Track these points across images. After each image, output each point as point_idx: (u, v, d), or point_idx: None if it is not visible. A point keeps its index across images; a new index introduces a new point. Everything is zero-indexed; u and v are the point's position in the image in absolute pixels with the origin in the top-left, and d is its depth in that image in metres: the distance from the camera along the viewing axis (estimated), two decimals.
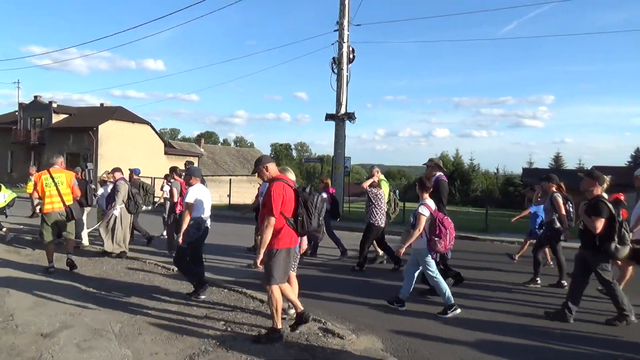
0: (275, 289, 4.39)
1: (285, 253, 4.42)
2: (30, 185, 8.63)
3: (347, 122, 16.07)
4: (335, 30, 15.99)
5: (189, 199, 5.81)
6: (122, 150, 34.44)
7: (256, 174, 4.67)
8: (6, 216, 10.66)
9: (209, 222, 6.13)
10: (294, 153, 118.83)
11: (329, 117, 16.10)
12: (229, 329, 4.83)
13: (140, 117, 39.27)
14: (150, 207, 11.12)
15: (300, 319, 4.61)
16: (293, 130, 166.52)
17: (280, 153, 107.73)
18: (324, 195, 7.76)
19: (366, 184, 8.05)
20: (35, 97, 38.99)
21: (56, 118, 37.64)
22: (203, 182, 6.31)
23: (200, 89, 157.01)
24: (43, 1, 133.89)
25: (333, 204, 9.02)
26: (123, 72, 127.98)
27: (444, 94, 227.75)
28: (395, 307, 5.76)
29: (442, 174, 6.79)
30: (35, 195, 7.50)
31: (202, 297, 5.86)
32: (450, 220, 5.61)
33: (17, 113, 39.37)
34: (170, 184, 9.24)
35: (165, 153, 40.76)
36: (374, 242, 8.40)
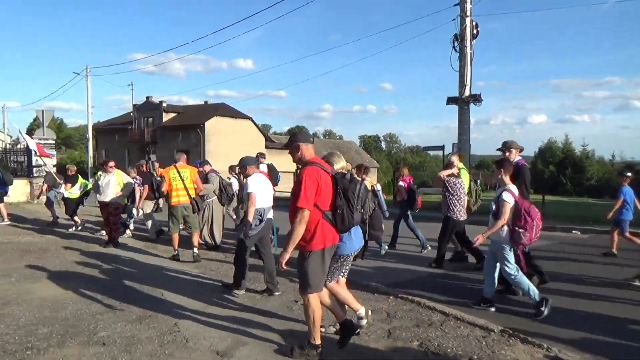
0: (313, 298, 3.69)
1: (321, 254, 3.65)
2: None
3: (472, 105, 14.54)
4: (455, 5, 14.50)
5: (250, 188, 5.52)
6: (227, 145, 35.41)
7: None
8: (83, 205, 11.44)
9: (270, 213, 5.86)
10: (383, 144, 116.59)
11: (451, 100, 14.63)
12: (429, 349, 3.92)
13: (241, 113, 40.28)
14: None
15: (347, 330, 3.93)
16: (380, 121, 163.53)
17: (369, 145, 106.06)
18: (378, 185, 7.74)
19: (444, 173, 7.25)
20: (147, 97, 41.50)
21: (166, 117, 39.75)
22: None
23: (288, 85, 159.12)
24: (145, 12, 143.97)
25: (410, 194, 8.68)
26: (216, 72, 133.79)
27: (539, 78, 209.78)
28: (482, 308, 5.12)
29: (521, 157, 6.14)
30: (164, 188, 7.74)
31: (241, 292, 5.64)
32: (536, 209, 4.91)
33: (131, 114, 42.21)
34: (235, 176, 8.99)
35: (266, 147, 41.33)
36: (454, 237, 7.49)
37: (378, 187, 8.25)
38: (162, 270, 6.97)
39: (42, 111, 19.36)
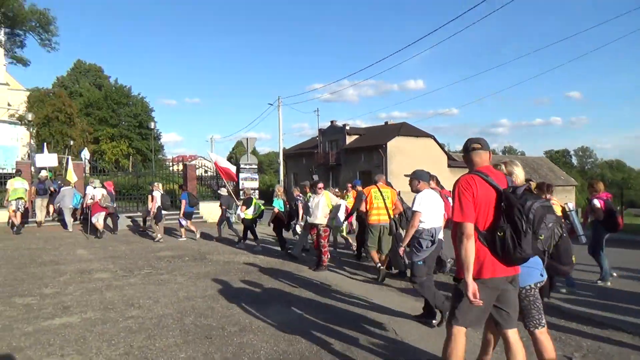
0: (457, 331, 3.09)
1: (480, 286, 2.91)
2: None
3: None
4: None
5: (417, 207, 5.29)
6: (408, 164, 34.60)
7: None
8: (255, 226, 11.74)
9: (441, 234, 5.45)
10: (574, 160, 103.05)
11: None
12: None
13: (423, 131, 39.37)
14: None
15: None
16: (566, 134, 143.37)
17: (557, 160, 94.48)
18: (570, 204, 6.60)
19: None
20: (332, 122, 43.51)
21: (349, 140, 41.01)
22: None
23: (462, 104, 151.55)
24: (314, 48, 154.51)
25: (608, 214, 7.29)
26: (387, 95, 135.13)
27: None
28: None
29: None
30: (363, 208, 8.00)
31: (434, 322, 5.15)
32: None
33: (317, 138, 44.70)
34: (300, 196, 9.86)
35: (449, 166, 39.63)
36: None
37: (570, 206, 6.66)
38: (369, 294, 6.39)
39: (247, 139, 21.18)
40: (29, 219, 14.87)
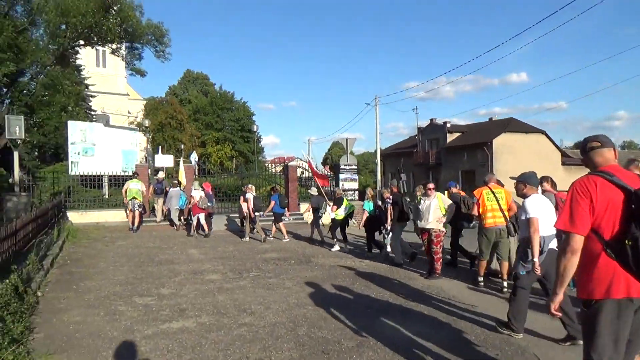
0: None
1: (612, 308, 2.41)
2: None
3: None
4: None
5: (531, 213, 4.81)
6: (517, 162, 32.26)
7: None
8: (348, 225, 11.77)
9: (553, 243, 4.87)
10: None
11: None
12: None
13: (533, 127, 36.51)
14: (472, 225, 9.17)
15: None
16: None
17: None
18: None
19: None
20: (431, 120, 42.00)
21: (450, 138, 39.29)
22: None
23: (573, 99, 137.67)
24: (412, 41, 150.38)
25: None
26: (488, 90, 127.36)
27: None
28: None
29: None
30: (475, 211, 7.48)
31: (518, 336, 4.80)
32: None
33: (416, 137, 43.44)
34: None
35: (563, 163, 36.31)
36: None
37: None
38: (493, 309, 5.63)
39: (346, 139, 20.94)
40: (148, 218, 15.92)
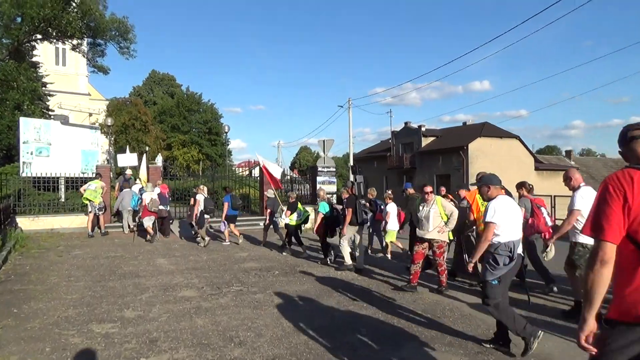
0: None
1: (629, 332, 1.96)
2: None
3: None
4: None
5: (490, 217, 4.44)
6: (492, 167, 32.00)
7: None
8: (300, 231, 11.10)
9: (520, 248, 4.51)
10: None
11: None
12: None
13: (508, 132, 36.54)
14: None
15: None
16: None
17: None
18: None
19: None
20: (406, 123, 41.56)
21: (424, 142, 38.89)
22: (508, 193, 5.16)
23: (535, 110, 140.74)
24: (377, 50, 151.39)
25: None
26: (451, 97, 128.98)
27: None
28: None
29: None
30: (471, 217, 7.04)
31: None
32: None
33: (390, 140, 42.88)
34: None
35: (536, 169, 36.47)
36: None
37: None
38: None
39: (324, 140, 19.88)
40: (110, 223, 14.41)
